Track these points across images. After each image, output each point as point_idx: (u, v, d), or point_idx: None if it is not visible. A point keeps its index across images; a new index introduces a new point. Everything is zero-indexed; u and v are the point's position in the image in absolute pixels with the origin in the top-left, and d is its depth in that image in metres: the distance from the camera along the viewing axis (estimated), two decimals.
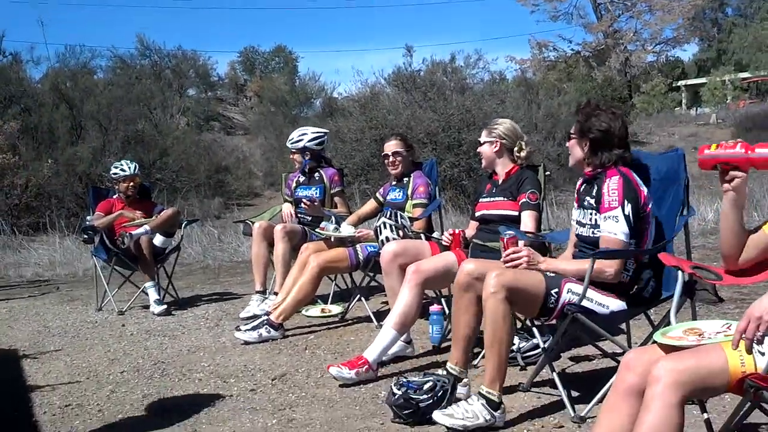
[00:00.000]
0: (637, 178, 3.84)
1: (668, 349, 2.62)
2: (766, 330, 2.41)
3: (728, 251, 2.98)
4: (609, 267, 3.75)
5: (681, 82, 46.84)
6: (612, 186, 3.77)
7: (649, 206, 3.82)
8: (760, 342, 2.43)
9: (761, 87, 44.73)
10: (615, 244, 3.75)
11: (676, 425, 2.40)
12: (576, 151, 4.04)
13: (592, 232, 3.90)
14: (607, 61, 41.56)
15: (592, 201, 3.90)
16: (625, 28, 42.93)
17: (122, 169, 7.65)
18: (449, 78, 26.24)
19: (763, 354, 2.44)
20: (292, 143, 7.15)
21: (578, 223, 4.05)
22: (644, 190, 3.82)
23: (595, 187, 3.89)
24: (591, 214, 3.91)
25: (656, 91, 40.51)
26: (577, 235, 4.08)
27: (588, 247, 3.95)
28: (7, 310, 7.86)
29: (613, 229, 3.75)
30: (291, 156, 7.23)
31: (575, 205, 4.12)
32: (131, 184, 7.63)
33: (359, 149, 18.66)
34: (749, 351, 2.45)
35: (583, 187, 4.06)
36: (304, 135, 7.11)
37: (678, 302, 3.42)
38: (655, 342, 2.74)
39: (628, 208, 3.73)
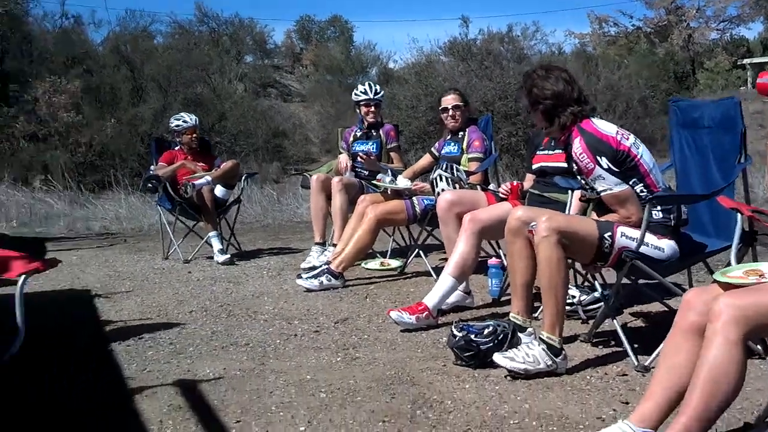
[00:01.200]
0: (599, 126, 3.86)
1: (728, 288, 2.62)
2: None
3: None
4: (626, 217, 3.81)
5: (746, 60, 45.84)
6: (577, 151, 3.81)
7: (628, 140, 3.83)
8: None
9: None
10: (617, 197, 3.81)
11: (738, 362, 2.42)
12: (537, 122, 4.06)
13: (594, 194, 3.94)
14: (669, 38, 40.80)
15: (575, 167, 3.93)
16: (688, 5, 42.09)
17: (184, 121, 7.82)
18: (506, 48, 26.06)
19: None
20: (372, 96, 7.13)
21: (581, 187, 4.10)
22: (610, 132, 3.83)
23: (571, 153, 3.92)
24: (583, 178, 3.96)
25: (720, 68, 39.69)
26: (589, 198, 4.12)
27: (600, 210, 4.00)
28: (77, 258, 8.10)
29: (605, 186, 3.81)
30: (366, 109, 7.19)
31: None
32: (193, 135, 7.79)
33: (415, 116, 18.71)
34: None
35: (565, 153, 4.09)
36: (377, 87, 7.17)
37: (737, 244, 3.45)
38: (715, 281, 2.77)
39: (604, 161, 3.76)
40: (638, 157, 3.81)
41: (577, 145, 3.80)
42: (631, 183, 3.80)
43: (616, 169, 3.76)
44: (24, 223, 11.10)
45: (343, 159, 7.20)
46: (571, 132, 3.88)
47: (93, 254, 8.37)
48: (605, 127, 3.87)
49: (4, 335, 2.43)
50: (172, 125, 7.93)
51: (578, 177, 4.03)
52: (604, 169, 3.75)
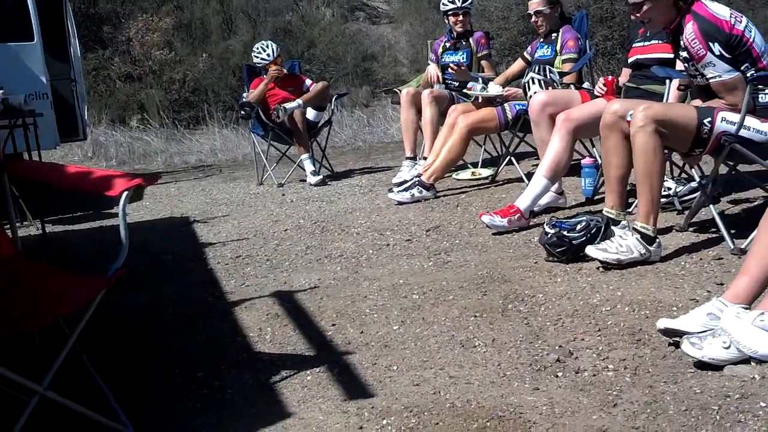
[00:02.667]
0: (713, 9, 3.68)
1: None
2: None
3: None
4: (733, 104, 3.67)
5: None
6: (689, 36, 3.65)
7: (741, 23, 3.65)
8: None
9: None
10: (725, 84, 3.67)
11: None
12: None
13: (703, 81, 3.79)
14: None
15: (685, 54, 3.78)
16: None
17: (264, 57, 7.78)
18: None
19: None
20: (460, 5, 6.92)
21: (689, 75, 3.94)
22: (724, 16, 3.65)
23: (681, 39, 3.76)
24: (692, 65, 3.80)
25: None
26: (696, 86, 3.98)
27: (706, 97, 3.87)
28: (175, 189, 8.32)
29: (715, 72, 3.67)
30: (454, 19, 7.00)
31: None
32: (276, 66, 7.79)
33: (506, 27, 18.34)
34: None
35: (672, 41, 3.93)
36: None
37: None
38: None
39: (717, 47, 3.61)
40: (750, 40, 3.67)
41: (690, 30, 3.66)
42: (743, 68, 3.66)
43: (728, 55, 3.63)
44: (123, 162, 11.41)
45: (432, 70, 7.11)
46: (683, 17, 3.73)
47: (190, 185, 8.57)
48: (719, 10, 3.71)
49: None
50: (255, 62, 7.95)
51: (686, 64, 3.89)
52: (715, 55, 3.62)
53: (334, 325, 3.44)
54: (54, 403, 2.35)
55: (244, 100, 7.89)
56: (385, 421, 2.49)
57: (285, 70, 7.86)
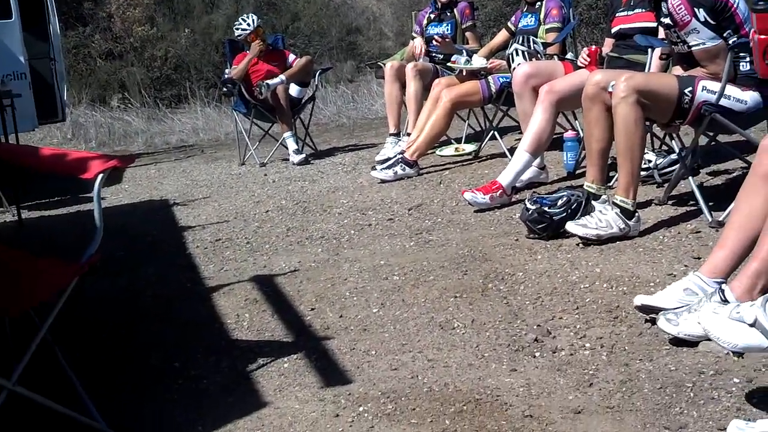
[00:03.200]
0: None
1: None
2: None
3: None
4: (714, 72, 3.64)
5: None
6: (675, 2, 3.60)
7: None
8: None
9: None
10: (708, 51, 3.64)
11: None
12: None
13: (685, 48, 3.75)
14: None
15: (668, 20, 3.74)
16: None
17: (244, 27, 7.69)
18: None
19: None
20: None
21: (671, 42, 3.91)
22: None
23: (663, 6, 3.72)
24: (675, 32, 3.76)
25: None
26: (676, 54, 3.94)
27: (687, 65, 3.84)
28: (156, 171, 8.24)
29: (699, 40, 3.64)
30: None
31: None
32: (257, 38, 7.70)
33: None
34: None
35: (654, 7, 3.90)
36: None
37: None
38: None
39: (701, 13, 3.58)
40: (735, 6, 3.63)
41: None
42: (725, 35, 3.63)
43: (713, 22, 3.60)
44: (103, 143, 11.27)
45: (417, 43, 7.04)
46: None
47: (170, 167, 8.48)
48: None
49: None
50: (236, 34, 7.86)
51: (668, 30, 3.85)
52: (700, 21, 3.59)
53: (313, 309, 3.42)
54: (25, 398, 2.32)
55: (226, 76, 7.82)
56: (361, 408, 2.48)
57: (267, 42, 7.77)
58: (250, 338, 3.19)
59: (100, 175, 2.49)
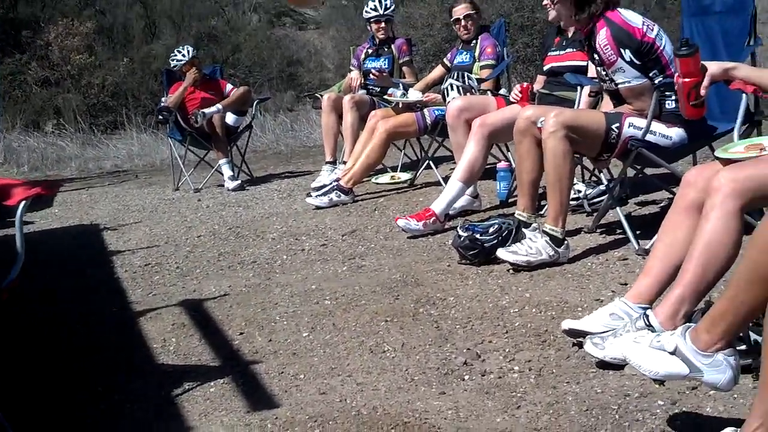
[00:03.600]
0: (626, 16, 3.76)
1: (729, 164, 2.56)
2: None
3: None
4: (640, 109, 3.75)
5: None
6: (602, 42, 3.71)
7: (653, 32, 3.73)
8: None
9: None
10: (633, 90, 3.75)
11: (734, 232, 2.37)
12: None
13: (612, 86, 3.86)
14: None
15: (597, 57, 3.83)
16: None
17: (180, 57, 7.65)
18: None
19: None
20: (382, 12, 6.88)
21: (600, 79, 4.01)
22: (636, 24, 3.73)
23: (594, 44, 3.81)
24: (603, 69, 3.86)
25: None
26: (606, 90, 4.05)
27: (616, 101, 3.96)
28: (87, 195, 8.07)
29: (624, 78, 3.75)
30: (376, 26, 6.95)
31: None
32: (192, 67, 7.68)
33: (430, 35, 18.40)
34: None
35: (586, 45, 3.99)
36: (387, 2, 6.95)
37: (741, 123, 3.39)
38: (716, 158, 2.71)
39: (627, 53, 3.69)
40: (661, 48, 3.75)
41: (603, 36, 3.71)
42: (651, 75, 3.74)
43: (638, 62, 3.70)
44: (35, 168, 11.02)
45: (354, 76, 7.09)
46: (597, 23, 3.77)
47: (103, 191, 8.32)
48: (632, 17, 3.78)
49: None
50: (172, 65, 7.83)
51: (598, 68, 3.94)
52: (626, 61, 3.69)
53: (242, 333, 3.38)
54: None
55: (162, 104, 7.75)
56: None
57: (203, 72, 7.75)
58: (177, 362, 3.14)
59: (23, 203, 2.45)
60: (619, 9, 3.79)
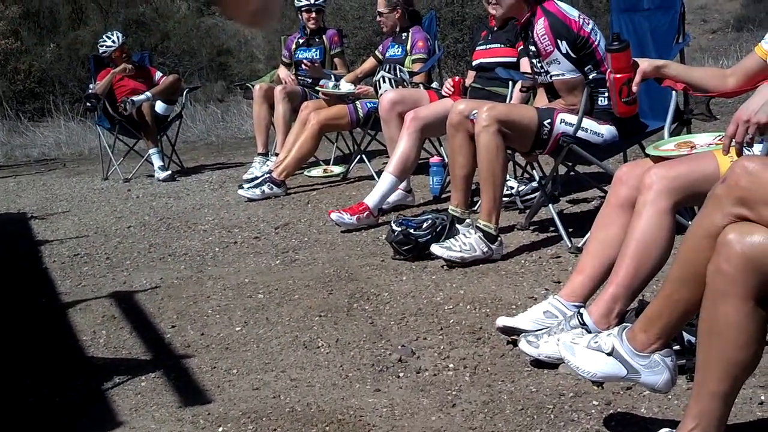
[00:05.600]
0: (563, 8, 3.81)
1: (660, 161, 2.60)
2: (754, 132, 2.37)
3: (713, 89, 2.94)
4: (572, 104, 3.80)
5: None
6: (540, 32, 3.75)
7: (588, 26, 3.79)
8: (750, 145, 2.39)
9: None
10: (567, 83, 3.80)
11: (667, 230, 2.41)
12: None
13: (548, 78, 3.90)
14: None
15: (533, 48, 3.87)
16: None
17: (109, 43, 7.53)
18: None
19: None
20: (313, 2, 6.87)
21: (534, 72, 4.05)
22: (573, 16, 3.79)
23: (530, 35, 3.85)
24: (539, 61, 3.90)
25: None
26: (540, 84, 4.09)
27: (550, 95, 4.00)
28: (14, 184, 7.92)
29: (559, 70, 3.79)
30: (307, 15, 6.93)
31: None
32: (122, 54, 7.55)
33: (361, 27, 18.37)
34: (740, 155, 2.44)
35: (522, 36, 4.05)
36: None
37: (671, 121, 3.46)
38: (647, 156, 2.75)
39: (564, 45, 3.73)
40: (596, 43, 3.79)
41: (541, 26, 3.73)
42: (586, 69, 3.78)
43: (574, 56, 3.74)
44: None
45: (283, 74, 7.05)
46: (534, 13, 3.79)
47: (30, 180, 8.13)
48: (569, 9, 3.82)
49: None
50: (100, 51, 7.68)
51: (533, 60, 3.96)
52: (562, 53, 3.72)
53: (173, 326, 3.33)
54: None
55: (90, 91, 7.59)
56: (220, 429, 2.42)
57: (133, 61, 7.62)
58: (107, 356, 3.07)
59: None
60: (555, 0, 3.83)
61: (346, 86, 6.16)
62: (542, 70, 3.91)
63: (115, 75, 7.42)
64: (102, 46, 7.60)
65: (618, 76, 3.01)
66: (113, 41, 7.52)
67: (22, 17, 19.70)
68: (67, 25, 21.09)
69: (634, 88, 2.95)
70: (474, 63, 5.09)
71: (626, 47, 2.99)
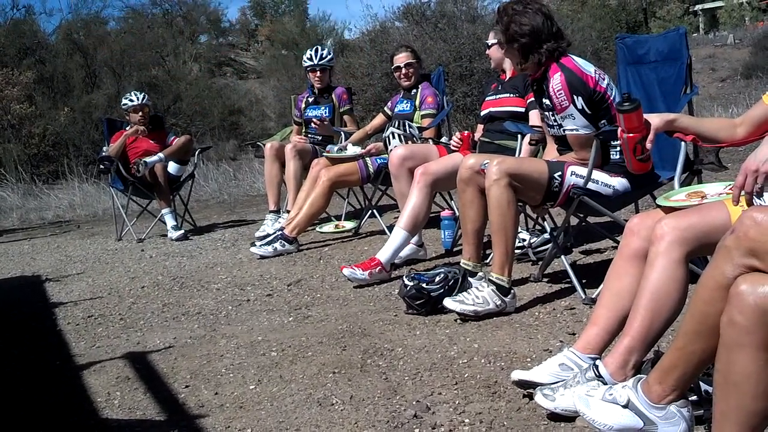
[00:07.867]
0: (580, 63, 3.83)
1: (671, 211, 2.60)
2: (763, 182, 2.38)
3: (723, 140, 2.96)
4: (583, 159, 3.80)
5: (698, 6, 45.92)
6: (556, 87, 3.77)
7: (604, 81, 3.81)
8: (760, 195, 2.39)
9: None
10: (580, 138, 3.81)
11: (680, 281, 2.41)
12: (511, 59, 4.01)
13: (560, 131, 3.92)
14: None
15: (548, 102, 3.90)
16: None
17: (131, 99, 7.73)
18: (459, 8, 25.88)
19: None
20: (317, 62, 7.03)
21: (547, 125, 4.07)
22: (590, 72, 3.80)
23: (545, 88, 3.88)
24: (552, 114, 3.93)
25: (672, 16, 39.93)
26: (551, 136, 4.11)
27: (562, 147, 4.00)
28: (29, 246, 7.96)
29: (573, 125, 3.81)
30: (313, 75, 7.09)
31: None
32: (141, 113, 7.66)
33: (370, 84, 18.54)
34: (750, 204, 2.45)
35: (535, 89, 4.07)
36: (323, 51, 7.07)
37: (681, 172, 3.46)
38: (658, 206, 2.75)
39: (580, 101, 3.74)
40: (611, 98, 3.81)
41: (557, 81, 3.75)
42: (600, 124, 3.79)
43: (589, 111, 3.76)
44: None
45: (294, 138, 7.15)
46: (548, 68, 3.82)
47: (45, 242, 8.20)
48: (585, 65, 3.84)
49: None
50: (122, 105, 7.85)
51: (547, 113, 3.99)
52: (577, 109, 3.74)
53: (187, 386, 3.31)
54: None
55: (103, 154, 7.68)
56: None
57: (145, 129, 7.71)
58: (122, 417, 3.05)
59: None
60: (572, 56, 3.86)
61: (352, 149, 6.22)
62: (555, 123, 3.93)
63: (128, 137, 7.52)
64: (126, 99, 7.81)
65: (631, 135, 3.03)
66: (135, 98, 7.72)
67: (36, 82, 20.06)
68: (81, 89, 21.45)
69: (648, 146, 2.97)
70: (483, 113, 5.15)
71: (637, 107, 3.00)
